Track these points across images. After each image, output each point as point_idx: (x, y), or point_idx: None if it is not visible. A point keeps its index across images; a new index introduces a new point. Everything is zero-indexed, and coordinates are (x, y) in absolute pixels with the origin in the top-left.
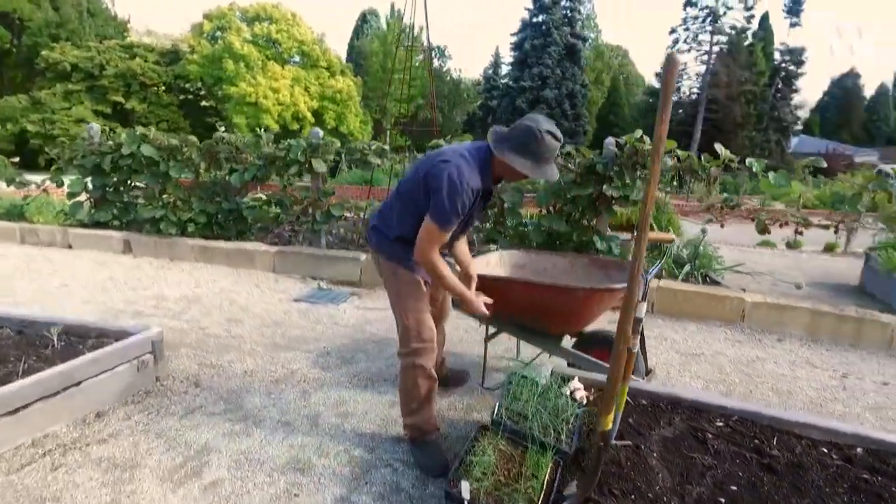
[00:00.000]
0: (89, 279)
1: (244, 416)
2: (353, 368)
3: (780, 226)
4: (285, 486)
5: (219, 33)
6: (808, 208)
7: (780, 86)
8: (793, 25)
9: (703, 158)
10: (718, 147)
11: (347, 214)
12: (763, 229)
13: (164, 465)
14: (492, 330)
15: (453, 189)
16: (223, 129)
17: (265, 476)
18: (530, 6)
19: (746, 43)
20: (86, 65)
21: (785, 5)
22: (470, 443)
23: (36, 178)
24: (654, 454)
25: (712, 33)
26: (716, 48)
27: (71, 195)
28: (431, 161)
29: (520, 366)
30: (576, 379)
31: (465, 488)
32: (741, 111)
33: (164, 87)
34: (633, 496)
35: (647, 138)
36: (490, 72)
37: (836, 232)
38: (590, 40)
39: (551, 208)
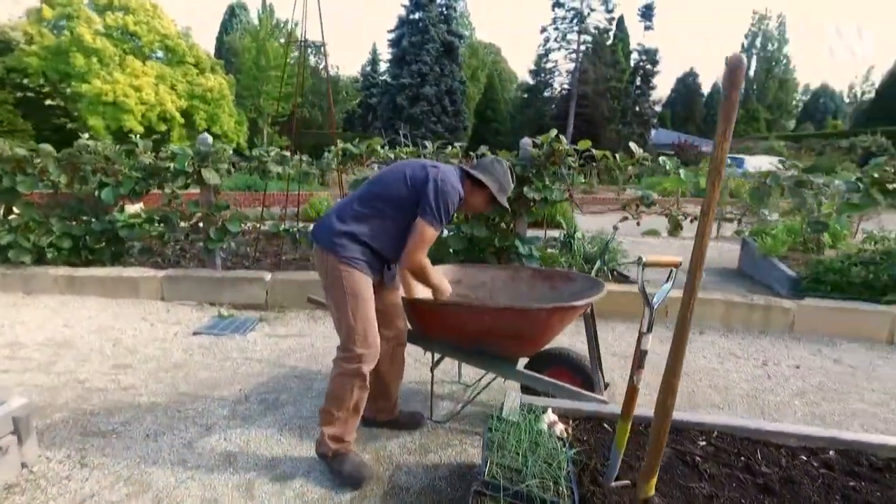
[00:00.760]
0: None
1: (156, 500)
2: (279, 415)
3: (691, 221)
4: None
5: (64, 22)
6: (684, 198)
7: (639, 83)
8: (647, 28)
9: (618, 157)
10: (633, 146)
11: (245, 227)
12: (676, 226)
13: None
14: (437, 355)
15: (446, 191)
16: (87, 136)
17: None
18: (406, 3)
19: (609, 43)
20: None
21: (639, 10)
22: None
23: None
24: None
25: (579, 33)
26: (583, 47)
27: None
28: (418, 165)
29: (462, 388)
30: (549, 411)
31: None
32: (608, 106)
33: None
34: None
35: (562, 138)
36: (368, 69)
37: (739, 223)
38: (465, 38)
39: (469, 214)
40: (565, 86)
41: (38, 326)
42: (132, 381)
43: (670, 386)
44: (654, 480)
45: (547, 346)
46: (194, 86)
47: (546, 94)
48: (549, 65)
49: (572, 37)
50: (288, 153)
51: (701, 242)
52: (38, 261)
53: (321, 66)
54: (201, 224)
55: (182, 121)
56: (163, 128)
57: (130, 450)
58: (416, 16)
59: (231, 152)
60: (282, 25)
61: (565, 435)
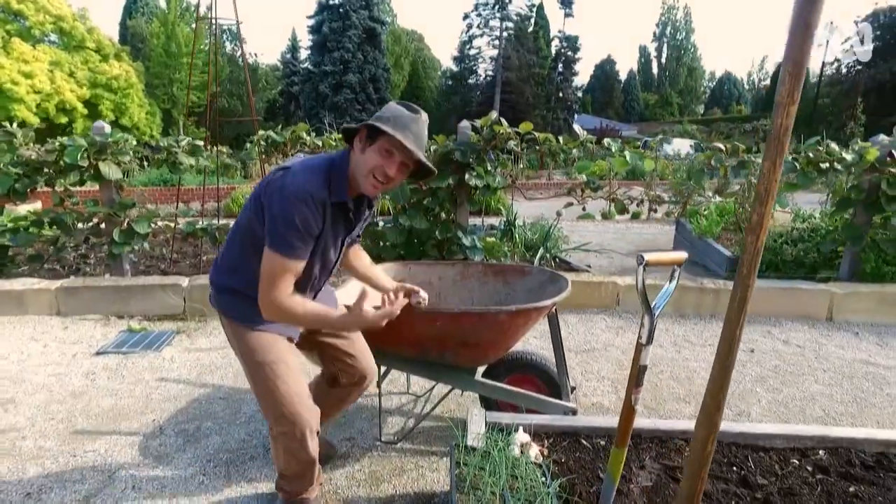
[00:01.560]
0: None
1: None
2: (202, 448)
3: (638, 204)
4: None
5: None
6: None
7: (561, 69)
8: (567, 16)
9: (562, 140)
10: (577, 128)
11: (159, 224)
12: (622, 209)
13: None
14: (384, 367)
15: (289, 203)
16: None
17: None
18: None
19: (530, 30)
20: None
21: None
22: None
23: None
24: None
25: (501, 19)
26: (505, 34)
27: None
28: (268, 177)
29: (412, 400)
30: (521, 430)
31: None
32: (531, 92)
33: None
34: None
35: (503, 120)
36: (288, 56)
37: (683, 207)
38: (387, 24)
39: (406, 204)
40: (489, 72)
41: None
42: (13, 421)
43: (717, 403)
44: None
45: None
46: (97, 73)
47: (471, 81)
48: (473, 51)
49: (494, 23)
50: (203, 143)
51: (757, 237)
52: None
53: (238, 54)
54: (103, 226)
55: (85, 112)
56: (63, 119)
57: None
58: (337, 1)
59: (136, 143)
60: (192, 9)
61: (541, 459)
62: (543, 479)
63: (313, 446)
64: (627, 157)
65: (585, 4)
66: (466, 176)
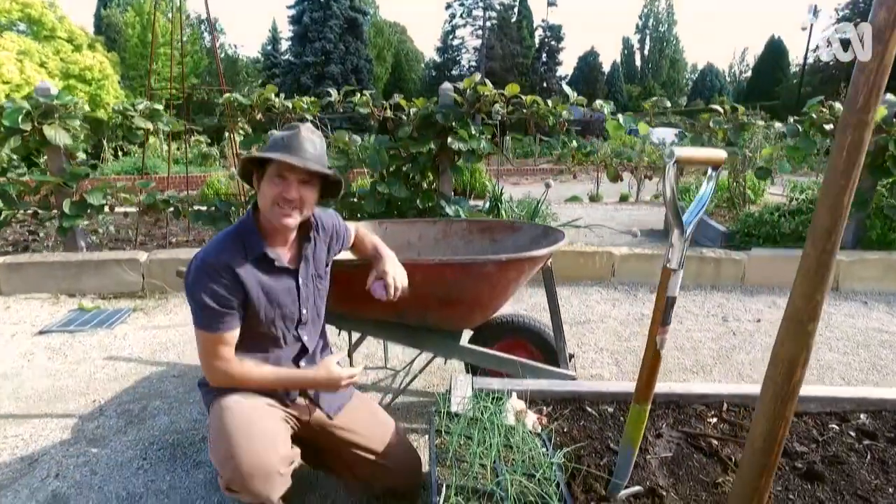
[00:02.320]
0: None
1: None
2: (146, 430)
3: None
4: None
5: None
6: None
7: (545, 59)
8: (550, 4)
9: (550, 102)
10: (567, 88)
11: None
12: (615, 177)
13: None
14: (356, 335)
15: (193, 279)
16: None
17: None
18: None
19: (514, 20)
20: None
21: None
22: None
23: None
24: (674, 493)
25: (484, 9)
26: (489, 23)
27: None
28: None
29: (390, 375)
30: (514, 396)
31: None
32: (515, 82)
33: None
34: None
35: (487, 81)
36: (269, 48)
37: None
38: (369, 14)
39: (385, 172)
40: (472, 62)
41: None
42: None
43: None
44: None
45: (497, 314)
46: (69, 63)
47: (454, 71)
48: (456, 41)
49: (478, 13)
50: (160, 107)
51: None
52: None
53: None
54: (53, 199)
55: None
56: None
57: None
58: None
59: (88, 108)
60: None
61: (539, 428)
62: (544, 449)
63: None
64: (621, 120)
65: None
66: (449, 139)
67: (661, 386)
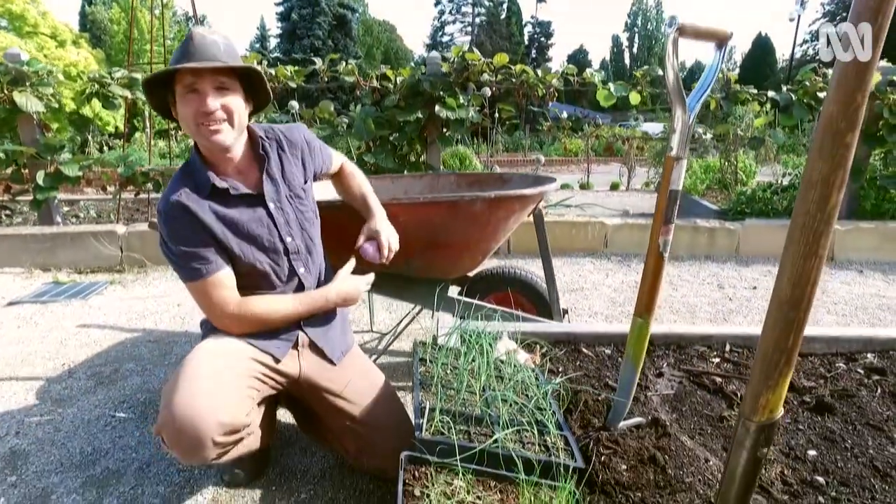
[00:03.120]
0: None
1: None
2: (116, 390)
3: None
4: None
5: None
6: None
7: (534, 55)
8: (539, 1)
9: (539, 71)
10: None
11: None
12: (607, 147)
13: None
14: None
15: (161, 232)
16: None
17: None
18: None
19: (503, 16)
20: None
21: None
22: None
23: None
24: (678, 426)
25: (473, 5)
26: (478, 20)
27: None
28: None
29: (377, 338)
30: (505, 336)
31: None
32: None
33: None
34: None
35: (476, 50)
36: (257, 45)
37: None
38: (357, 11)
39: (372, 143)
40: None
41: None
42: None
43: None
44: (782, 392)
45: (486, 266)
46: (53, 60)
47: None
48: (446, 38)
49: (467, 9)
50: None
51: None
52: None
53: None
54: (25, 171)
55: None
56: None
57: None
58: None
59: (60, 75)
60: None
61: (533, 366)
62: (537, 381)
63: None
64: (612, 89)
65: None
66: (437, 108)
67: (661, 327)
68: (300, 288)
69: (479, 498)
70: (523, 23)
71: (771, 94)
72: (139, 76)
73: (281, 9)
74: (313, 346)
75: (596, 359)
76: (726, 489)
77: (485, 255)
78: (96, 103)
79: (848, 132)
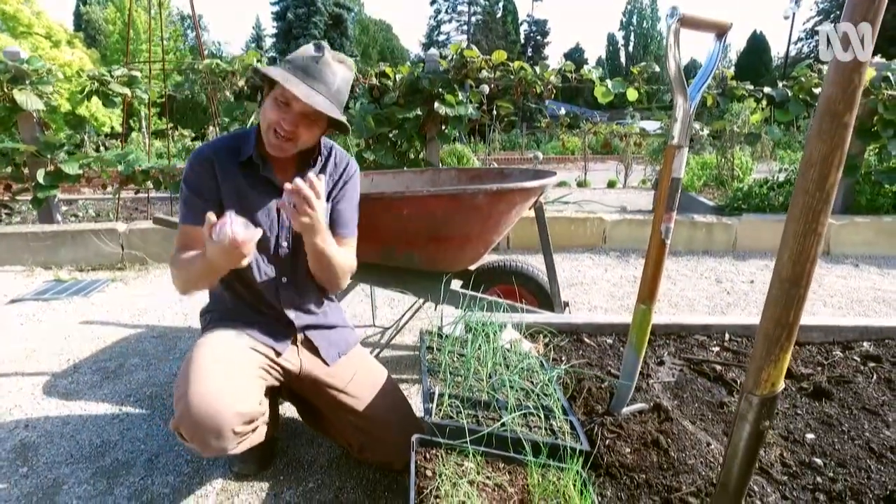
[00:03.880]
0: None
1: None
2: (122, 384)
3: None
4: None
5: None
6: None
7: (531, 54)
8: None
9: (537, 68)
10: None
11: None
12: (604, 143)
13: None
14: None
15: (186, 164)
16: None
17: None
18: None
19: (499, 15)
20: None
21: None
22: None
23: None
24: (679, 412)
25: (469, 4)
26: (474, 19)
27: None
28: None
29: (379, 333)
30: (509, 326)
31: None
32: None
33: None
34: None
35: (474, 47)
36: (253, 45)
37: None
38: (353, 11)
39: (371, 140)
40: None
41: None
42: None
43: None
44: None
45: (488, 260)
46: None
47: None
48: (441, 37)
49: (462, 8)
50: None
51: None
52: None
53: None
54: (26, 170)
55: None
56: None
57: None
58: None
59: (60, 74)
60: None
61: (537, 354)
62: (542, 368)
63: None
64: (609, 86)
65: None
66: (436, 105)
67: (662, 317)
68: (276, 294)
69: (488, 478)
70: (519, 21)
71: (767, 90)
72: (138, 74)
73: (276, 8)
74: (310, 345)
75: (598, 348)
76: (730, 462)
77: (487, 247)
78: (92, 103)
79: (846, 112)
